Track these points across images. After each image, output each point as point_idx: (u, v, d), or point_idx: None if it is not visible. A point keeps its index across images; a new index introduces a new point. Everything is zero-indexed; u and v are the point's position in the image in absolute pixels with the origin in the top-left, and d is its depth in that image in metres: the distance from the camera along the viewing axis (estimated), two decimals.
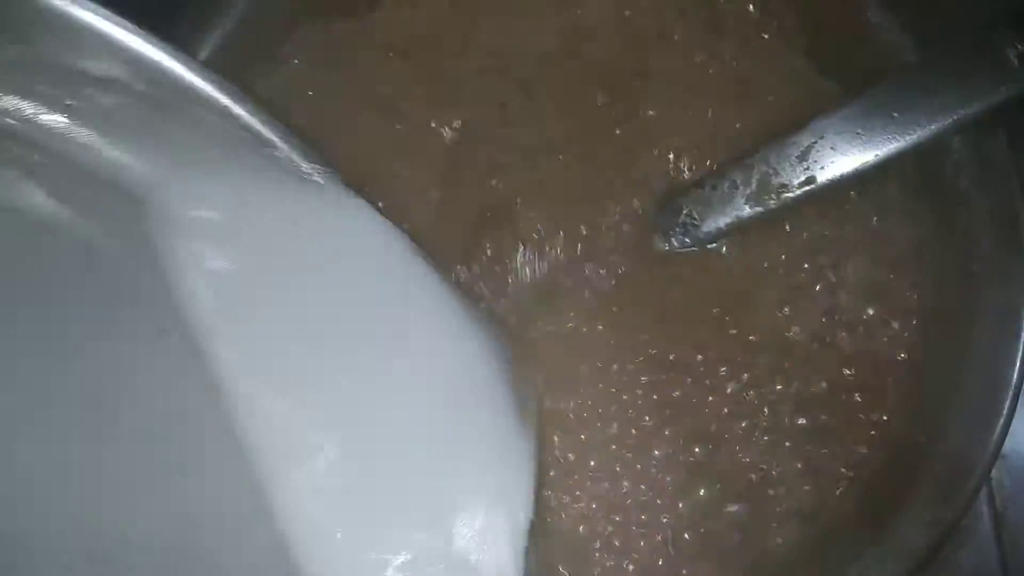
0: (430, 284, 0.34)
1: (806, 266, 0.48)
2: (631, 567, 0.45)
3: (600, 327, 0.48)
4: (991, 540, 0.52)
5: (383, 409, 0.30)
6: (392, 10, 0.51)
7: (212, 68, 0.33)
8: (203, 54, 0.46)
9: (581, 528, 0.45)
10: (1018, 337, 0.41)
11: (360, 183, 0.37)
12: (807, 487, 0.45)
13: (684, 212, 0.48)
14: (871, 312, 0.48)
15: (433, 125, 0.49)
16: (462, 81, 0.50)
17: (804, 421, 0.46)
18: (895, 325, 0.47)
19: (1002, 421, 0.40)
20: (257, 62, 0.48)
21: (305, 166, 0.32)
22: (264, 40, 0.49)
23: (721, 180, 0.47)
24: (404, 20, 0.51)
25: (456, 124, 0.50)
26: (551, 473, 0.46)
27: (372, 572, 0.26)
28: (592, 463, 0.46)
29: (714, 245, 0.49)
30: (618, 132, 0.50)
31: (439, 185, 0.49)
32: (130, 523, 0.26)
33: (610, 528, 0.46)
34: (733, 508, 0.45)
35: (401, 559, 0.27)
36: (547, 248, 0.49)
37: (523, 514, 0.30)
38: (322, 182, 0.33)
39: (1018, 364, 0.41)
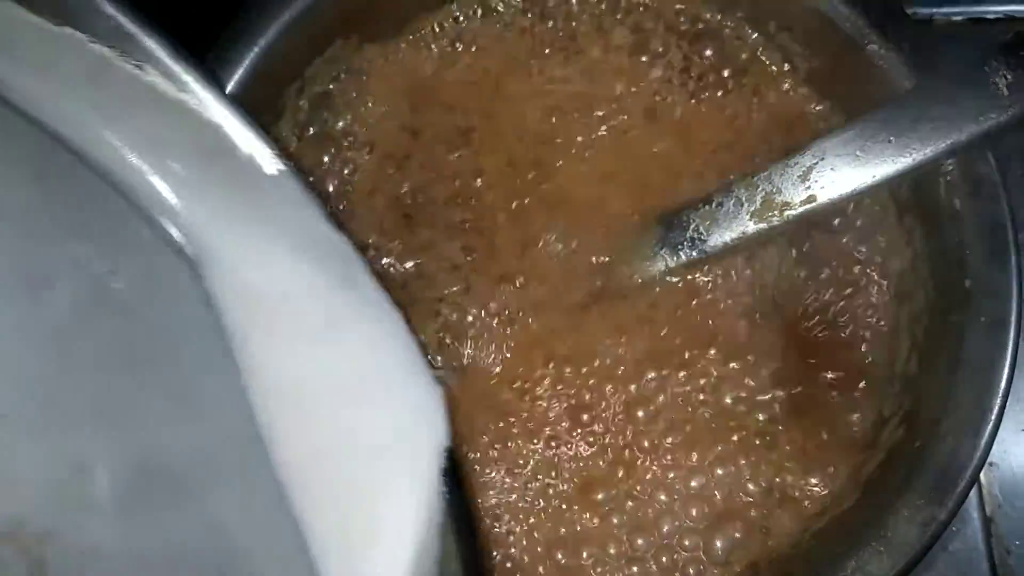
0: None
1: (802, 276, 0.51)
2: None
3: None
4: (981, 546, 0.54)
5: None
6: None
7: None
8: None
9: None
10: (1006, 348, 0.43)
11: None
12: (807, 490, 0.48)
13: (692, 227, 0.51)
14: (869, 323, 0.51)
15: None
16: None
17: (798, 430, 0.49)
18: (891, 337, 0.49)
19: (990, 427, 0.42)
20: None
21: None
22: None
23: (727, 197, 0.50)
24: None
25: None
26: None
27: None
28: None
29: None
30: None
31: None
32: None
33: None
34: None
35: None
36: None
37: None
38: None
39: (1006, 374, 0.43)
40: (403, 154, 0.53)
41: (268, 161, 0.35)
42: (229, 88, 0.47)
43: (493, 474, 0.49)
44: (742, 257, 0.52)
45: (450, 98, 0.54)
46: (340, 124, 0.53)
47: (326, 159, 0.53)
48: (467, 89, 0.54)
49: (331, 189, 0.53)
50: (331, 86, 0.53)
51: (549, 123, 0.54)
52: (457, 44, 0.55)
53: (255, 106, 0.38)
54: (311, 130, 0.53)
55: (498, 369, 0.50)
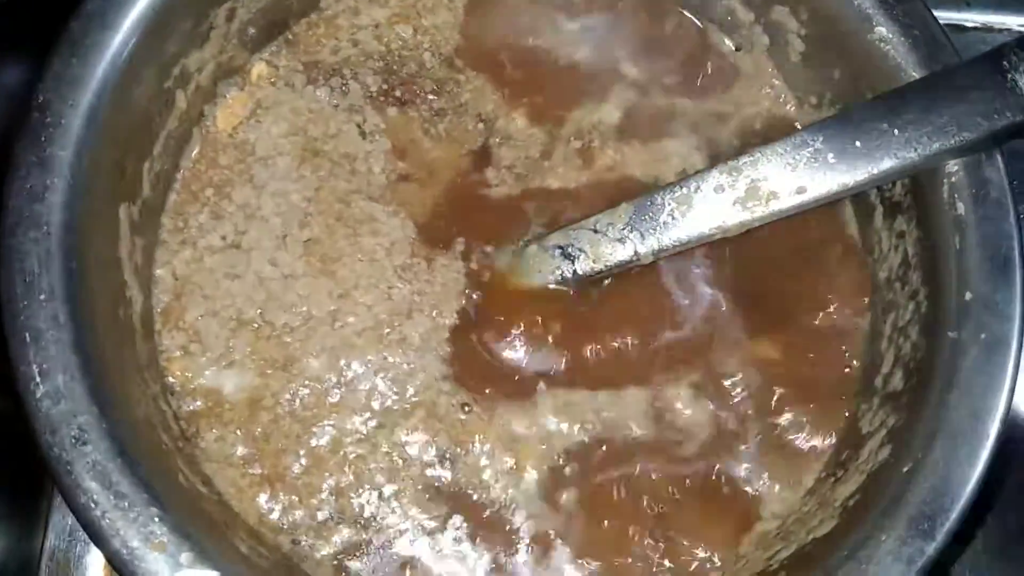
0: None
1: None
2: None
3: None
4: None
5: None
6: None
7: None
8: None
9: None
10: (1007, 369, 0.39)
11: None
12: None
13: (667, 210, 0.46)
14: (858, 328, 0.47)
15: None
16: None
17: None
18: (881, 347, 0.45)
19: (988, 453, 0.38)
20: None
21: None
22: None
23: (707, 180, 0.45)
24: None
25: None
26: None
27: None
28: None
29: None
30: None
31: None
32: None
33: None
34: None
35: None
36: None
37: None
38: None
39: (1005, 396, 0.39)
40: None
41: None
42: None
43: None
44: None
45: None
46: None
47: None
48: None
49: None
50: None
51: None
52: None
53: None
54: None
55: None
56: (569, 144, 0.51)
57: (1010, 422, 0.39)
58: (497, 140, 0.50)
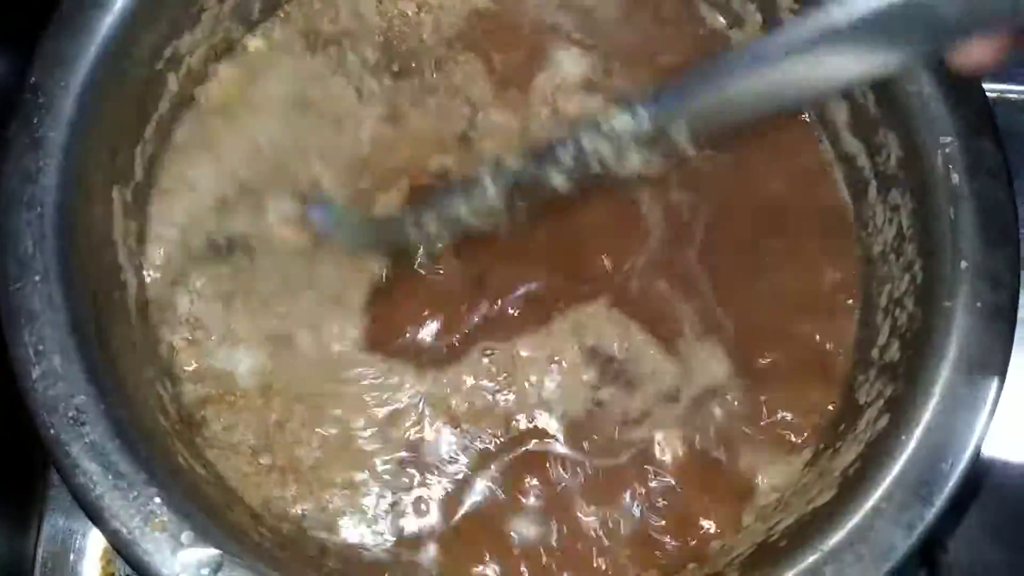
0: None
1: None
2: None
3: None
4: None
5: None
6: None
7: None
8: None
9: None
10: (1004, 337, 0.40)
11: None
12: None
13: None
14: (850, 303, 0.47)
15: None
16: None
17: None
18: (876, 319, 0.46)
19: (984, 419, 0.39)
20: None
21: None
22: None
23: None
24: None
25: None
26: None
27: None
28: None
29: None
30: None
31: None
32: None
33: None
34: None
35: None
36: None
37: None
38: None
39: (1001, 362, 0.39)
40: None
41: None
42: None
43: None
44: None
45: None
46: None
47: None
48: None
49: None
50: None
51: None
52: None
53: None
54: None
55: None
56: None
57: None
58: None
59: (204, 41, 0.48)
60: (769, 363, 0.47)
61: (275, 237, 0.47)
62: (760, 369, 0.47)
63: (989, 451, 0.53)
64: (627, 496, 0.45)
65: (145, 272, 0.47)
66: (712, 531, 0.44)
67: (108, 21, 0.43)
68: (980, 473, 0.53)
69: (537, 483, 0.45)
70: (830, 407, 0.46)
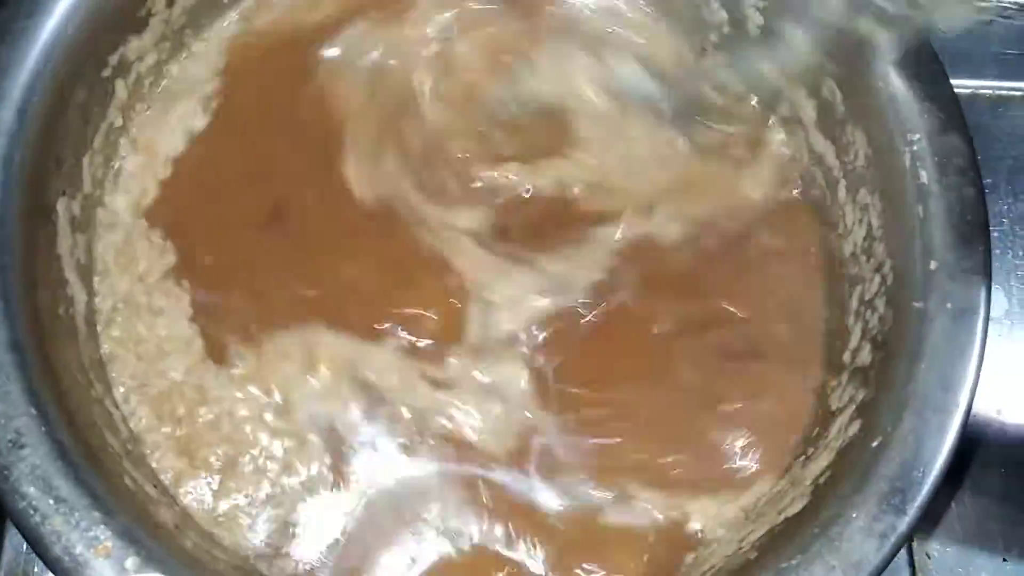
0: None
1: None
2: None
3: None
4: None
5: None
6: None
7: None
8: None
9: None
10: (975, 337, 0.39)
11: None
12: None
13: None
14: (820, 307, 0.46)
15: None
16: None
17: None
18: (848, 322, 0.44)
19: (958, 425, 0.38)
20: None
21: None
22: None
23: None
24: None
25: None
26: None
27: None
28: None
29: None
30: None
31: None
32: None
33: None
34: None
35: None
36: None
37: None
38: None
39: (974, 365, 0.38)
40: None
41: None
42: None
43: None
44: None
45: None
46: None
47: None
48: None
49: None
50: None
51: None
52: None
53: None
54: None
55: None
56: None
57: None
58: None
59: (152, 47, 0.47)
60: None
61: None
62: None
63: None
64: None
65: (95, 286, 0.45)
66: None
67: (47, 26, 0.41)
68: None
69: None
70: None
